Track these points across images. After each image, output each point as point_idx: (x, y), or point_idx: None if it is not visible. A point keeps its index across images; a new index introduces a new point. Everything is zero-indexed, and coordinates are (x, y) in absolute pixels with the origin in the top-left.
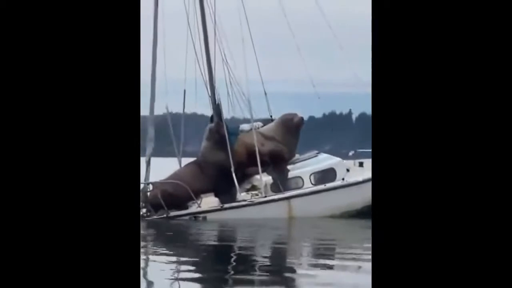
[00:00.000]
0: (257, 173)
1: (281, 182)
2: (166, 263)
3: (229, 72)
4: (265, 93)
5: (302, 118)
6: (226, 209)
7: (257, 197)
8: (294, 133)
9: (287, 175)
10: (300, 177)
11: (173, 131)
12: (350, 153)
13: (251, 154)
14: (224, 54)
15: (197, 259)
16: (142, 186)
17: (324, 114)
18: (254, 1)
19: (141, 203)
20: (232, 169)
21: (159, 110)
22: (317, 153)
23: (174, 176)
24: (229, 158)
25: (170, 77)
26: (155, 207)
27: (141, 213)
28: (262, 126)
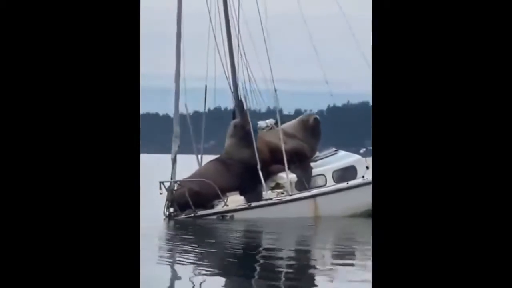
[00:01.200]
0: (280, 171)
1: (306, 180)
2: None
3: (247, 70)
4: (275, 90)
5: (316, 119)
6: (253, 208)
7: (282, 195)
8: (312, 133)
9: (311, 173)
10: (323, 174)
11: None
12: (361, 151)
13: (273, 151)
14: (244, 51)
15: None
16: (168, 184)
17: None
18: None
19: (168, 202)
20: (259, 167)
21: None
22: (336, 151)
23: (198, 173)
24: (254, 155)
25: (189, 75)
26: (181, 206)
27: (168, 212)
28: (275, 123)
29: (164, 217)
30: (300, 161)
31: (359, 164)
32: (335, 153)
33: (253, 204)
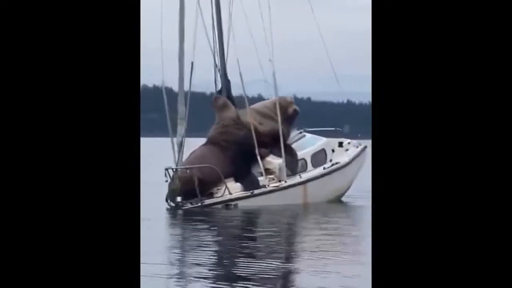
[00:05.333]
0: (266, 155)
1: (296, 165)
2: None
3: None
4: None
5: (295, 110)
6: (256, 195)
7: (273, 181)
8: (288, 118)
9: (297, 157)
10: (304, 159)
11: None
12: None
13: (255, 133)
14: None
15: None
16: (171, 172)
17: None
18: None
19: (173, 191)
20: (257, 151)
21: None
22: (301, 133)
23: (195, 158)
24: (251, 137)
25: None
26: (185, 194)
27: (175, 201)
28: None
29: (168, 207)
30: (278, 144)
31: (328, 147)
32: (304, 136)
33: (256, 191)
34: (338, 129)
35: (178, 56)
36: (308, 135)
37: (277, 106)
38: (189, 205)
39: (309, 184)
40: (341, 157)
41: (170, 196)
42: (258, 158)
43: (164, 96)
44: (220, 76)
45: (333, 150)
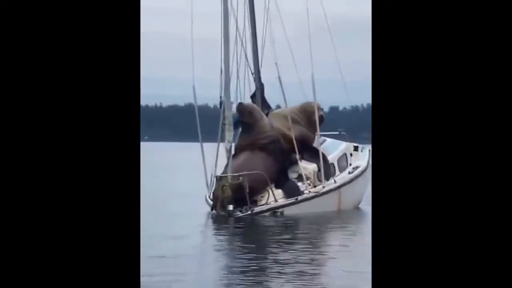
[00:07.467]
0: (299, 160)
1: (329, 170)
2: None
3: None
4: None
5: (322, 116)
6: (299, 202)
7: (310, 187)
8: (313, 124)
9: (329, 162)
10: (332, 163)
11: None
12: None
13: (284, 138)
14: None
15: None
16: (216, 179)
17: None
18: None
19: (227, 198)
20: (298, 157)
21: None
22: (320, 137)
23: (242, 165)
24: (287, 143)
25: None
26: (237, 201)
27: (226, 210)
28: None
29: (213, 215)
30: (306, 149)
31: (347, 151)
32: (325, 141)
33: (299, 198)
34: (342, 132)
35: (223, 64)
36: (328, 139)
37: (316, 111)
38: (239, 213)
39: (343, 189)
40: (358, 161)
41: (220, 204)
42: (299, 163)
43: (194, 101)
44: (254, 80)
45: (351, 154)
